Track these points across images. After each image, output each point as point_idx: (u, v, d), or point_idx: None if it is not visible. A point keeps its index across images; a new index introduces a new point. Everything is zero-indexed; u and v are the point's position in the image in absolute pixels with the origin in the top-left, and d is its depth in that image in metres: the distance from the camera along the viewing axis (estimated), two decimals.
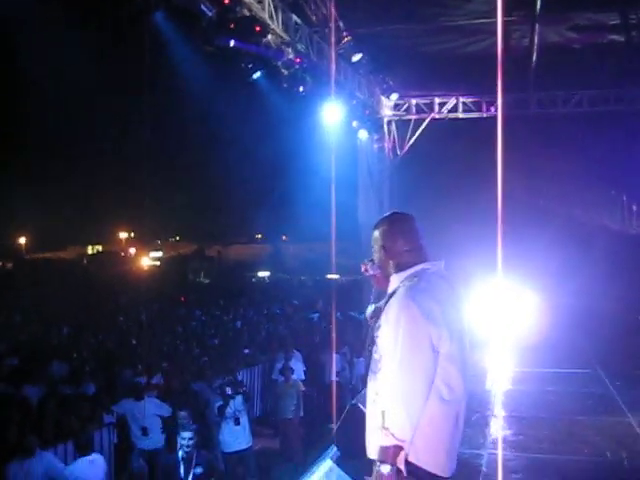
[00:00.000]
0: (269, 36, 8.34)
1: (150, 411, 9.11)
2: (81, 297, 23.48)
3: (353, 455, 6.36)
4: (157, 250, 52.72)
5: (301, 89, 9.47)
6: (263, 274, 37.94)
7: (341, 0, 10.38)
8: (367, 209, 14.47)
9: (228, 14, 7.30)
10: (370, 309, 3.07)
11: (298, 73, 9.29)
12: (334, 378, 11.52)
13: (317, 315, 17.87)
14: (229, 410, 9.34)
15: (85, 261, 44.33)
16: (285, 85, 9.22)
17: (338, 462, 6.21)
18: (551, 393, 9.50)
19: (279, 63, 8.71)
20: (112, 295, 24.63)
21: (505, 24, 11.39)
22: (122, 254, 45.45)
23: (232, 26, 7.53)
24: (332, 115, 10.76)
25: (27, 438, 6.93)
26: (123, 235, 53.54)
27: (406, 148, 14.37)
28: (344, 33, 11.24)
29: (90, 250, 56.08)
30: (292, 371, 11.28)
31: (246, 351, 13.07)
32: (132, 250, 45.66)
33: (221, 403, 9.35)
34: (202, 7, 6.89)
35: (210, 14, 7.02)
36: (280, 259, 40.99)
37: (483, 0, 10.79)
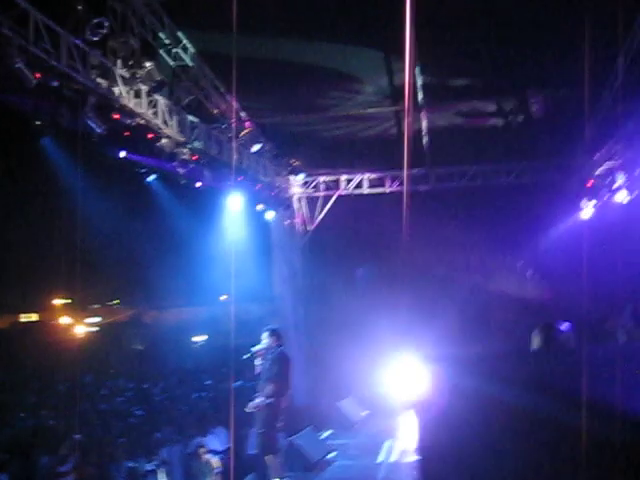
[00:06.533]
0: (163, 140, 8.96)
1: None
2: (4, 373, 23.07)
3: None
4: (95, 316, 51.70)
5: (198, 185, 10.07)
6: (199, 338, 37.82)
7: (241, 93, 11.15)
8: (281, 282, 15.10)
9: (118, 128, 7.89)
10: None
11: (196, 170, 9.91)
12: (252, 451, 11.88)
13: (240, 384, 18.13)
14: None
15: (15, 332, 43.35)
16: (183, 182, 9.81)
17: None
18: None
19: (174, 163, 9.30)
20: (36, 370, 24.30)
21: (394, 113, 12.44)
22: (55, 323, 44.67)
23: (125, 135, 8.11)
24: (234, 203, 11.39)
25: None
26: (57, 302, 52.17)
27: (315, 223, 15.11)
28: (245, 124, 12.00)
29: (24, 318, 54.44)
30: (207, 450, 11.62)
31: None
32: (66, 318, 44.88)
33: None
34: (91, 125, 7.46)
35: (99, 131, 7.59)
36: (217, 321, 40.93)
37: (371, 92, 11.79)
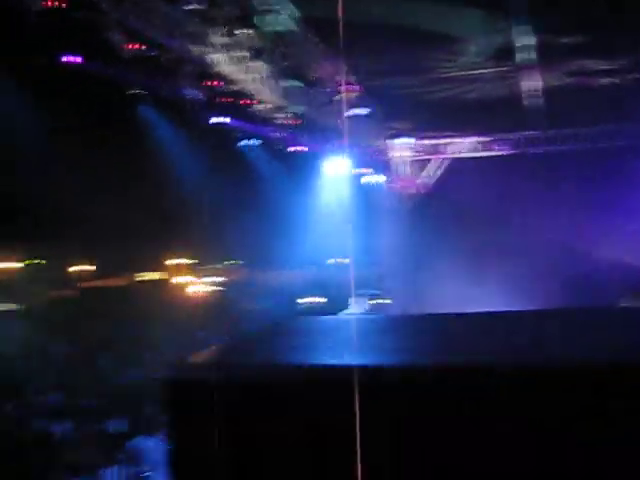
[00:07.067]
0: (260, 105, 9.08)
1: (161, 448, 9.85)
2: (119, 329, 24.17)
3: None
4: (215, 275, 53.12)
5: (298, 149, 10.14)
6: (313, 300, 38.42)
7: (343, 57, 11.07)
8: (386, 246, 15.05)
9: (215, 94, 8.08)
10: None
11: (295, 134, 9.99)
12: None
13: None
14: None
15: (133, 289, 45.30)
16: (279, 147, 9.92)
17: None
18: None
19: (272, 128, 9.41)
20: (151, 326, 25.35)
21: (499, 74, 12.04)
22: (172, 281, 46.50)
23: (220, 102, 8.30)
24: (334, 166, 11.41)
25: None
26: (178, 261, 53.96)
27: (420, 187, 14.89)
28: (346, 87, 11.93)
29: (146, 276, 56.63)
30: None
31: None
32: (186, 277, 46.59)
33: None
34: (188, 92, 7.69)
35: (196, 97, 7.80)
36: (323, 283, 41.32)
37: (474, 53, 11.42)
